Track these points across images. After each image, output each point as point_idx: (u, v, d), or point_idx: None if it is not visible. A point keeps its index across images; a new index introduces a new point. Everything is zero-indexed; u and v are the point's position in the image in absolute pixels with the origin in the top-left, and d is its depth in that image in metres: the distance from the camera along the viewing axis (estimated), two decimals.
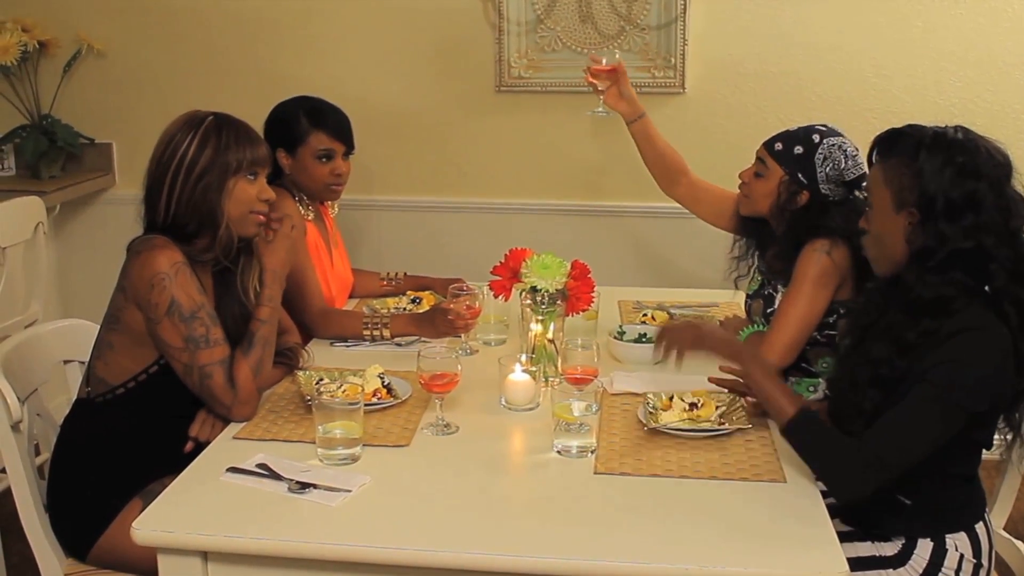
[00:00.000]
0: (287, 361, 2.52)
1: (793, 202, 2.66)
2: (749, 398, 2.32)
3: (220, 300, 2.42)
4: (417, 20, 4.01)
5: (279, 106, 3.05)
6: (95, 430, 2.37)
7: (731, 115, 3.93)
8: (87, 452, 2.36)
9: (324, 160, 2.98)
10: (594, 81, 3.02)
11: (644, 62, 3.89)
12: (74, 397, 2.50)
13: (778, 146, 2.69)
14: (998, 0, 3.75)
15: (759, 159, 2.73)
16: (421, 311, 2.94)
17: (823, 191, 2.63)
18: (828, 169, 2.62)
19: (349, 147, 3.04)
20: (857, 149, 2.65)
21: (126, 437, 2.35)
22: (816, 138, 2.66)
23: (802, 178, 2.64)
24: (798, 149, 2.66)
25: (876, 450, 1.99)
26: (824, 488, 2.03)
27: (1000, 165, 2.08)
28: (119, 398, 2.35)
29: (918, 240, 2.07)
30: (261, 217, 2.40)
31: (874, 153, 2.19)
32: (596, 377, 2.36)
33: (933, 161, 2.05)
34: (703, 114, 3.95)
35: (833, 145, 2.64)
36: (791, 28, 3.86)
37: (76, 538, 2.33)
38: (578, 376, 2.34)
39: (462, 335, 2.74)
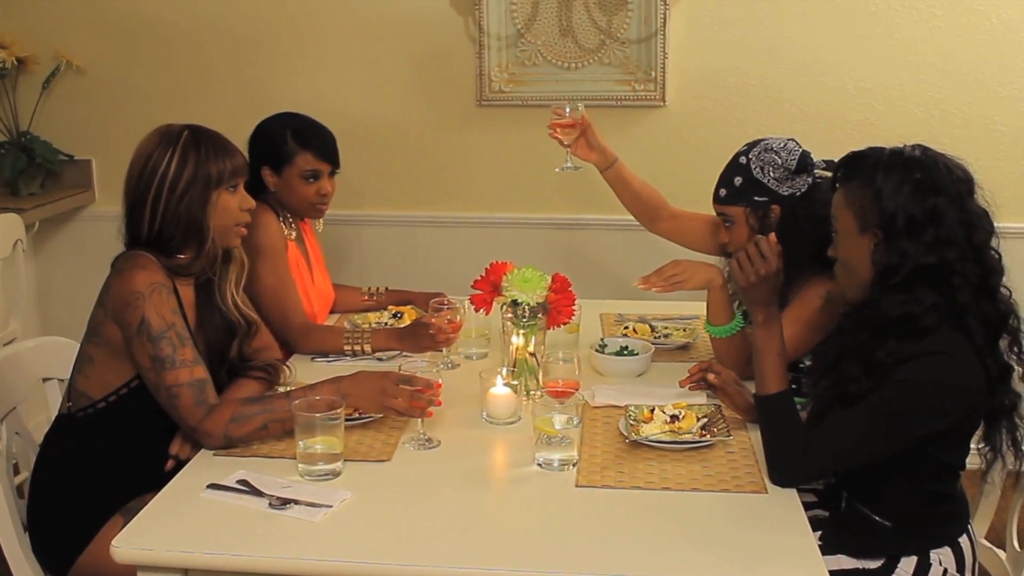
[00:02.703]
0: (267, 377, 2.51)
1: (768, 222, 2.62)
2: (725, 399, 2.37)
3: (201, 310, 2.43)
4: (398, 34, 4.01)
5: (264, 123, 3.04)
6: (76, 446, 2.36)
7: (712, 128, 3.94)
8: (68, 469, 2.35)
9: (311, 180, 2.98)
10: (558, 136, 2.91)
11: (624, 75, 3.91)
12: (54, 415, 2.49)
13: (722, 192, 2.69)
14: (976, 14, 3.78)
15: (720, 215, 2.73)
16: (402, 326, 2.94)
17: (784, 193, 2.61)
18: (771, 174, 2.61)
19: (335, 167, 3.04)
20: (784, 140, 2.65)
21: (107, 453, 2.34)
22: (743, 160, 2.66)
23: (759, 199, 2.63)
24: (738, 180, 2.65)
25: (816, 444, 2.06)
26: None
27: (960, 180, 2.08)
28: (100, 412, 2.34)
29: (882, 259, 2.08)
30: (243, 230, 2.42)
31: (836, 178, 2.21)
32: (577, 390, 2.36)
33: (891, 179, 2.06)
34: (683, 127, 3.96)
35: (759, 151, 2.64)
36: (771, 41, 3.88)
37: (57, 556, 2.32)
38: (559, 389, 2.35)
39: (443, 349, 2.74)
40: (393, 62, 4.05)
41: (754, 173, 2.63)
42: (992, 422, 2.13)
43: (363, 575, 1.80)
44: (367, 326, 2.95)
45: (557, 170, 2.95)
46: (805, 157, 2.60)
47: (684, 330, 2.99)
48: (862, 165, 2.13)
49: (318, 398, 2.14)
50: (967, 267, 2.04)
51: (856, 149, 2.19)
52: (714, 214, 2.88)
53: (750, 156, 2.65)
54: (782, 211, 2.62)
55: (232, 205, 2.37)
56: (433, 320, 2.71)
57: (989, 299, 2.07)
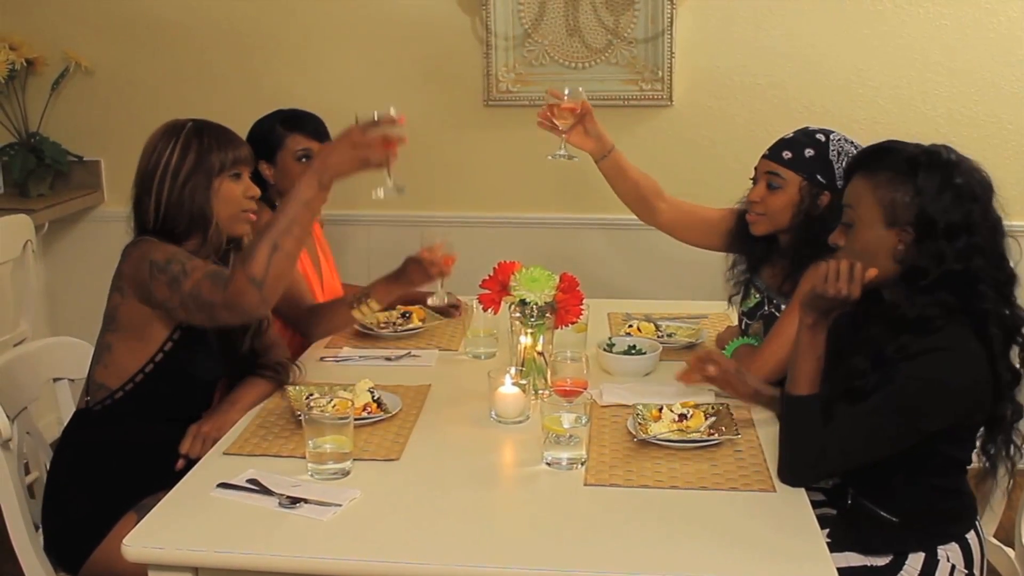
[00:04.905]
0: (277, 376, 2.52)
1: (816, 206, 2.58)
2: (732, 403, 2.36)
3: None
4: (405, 34, 4.02)
5: (255, 124, 3.11)
6: (93, 442, 2.38)
7: (718, 127, 3.95)
8: (84, 465, 2.37)
9: (304, 161, 3.01)
10: (552, 121, 2.78)
11: (631, 75, 3.91)
12: (64, 415, 2.51)
13: (787, 154, 2.62)
14: (982, 12, 3.78)
15: (770, 172, 2.63)
16: (396, 269, 2.93)
17: (841, 187, 2.58)
18: (843, 164, 2.56)
19: None
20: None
21: (123, 449, 2.36)
22: (821, 137, 2.62)
23: (821, 179, 2.58)
24: (809, 152, 2.60)
25: (826, 446, 2.04)
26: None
27: (988, 187, 2.09)
28: (118, 402, 2.36)
29: (910, 259, 2.07)
30: (252, 216, 2.45)
31: (857, 167, 2.18)
32: (586, 389, 2.37)
33: (931, 181, 2.05)
34: (690, 126, 3.96)
35: (840, 140, 2.62)
36: (778, 40, 3.88)
37: (69, 552, 2.33)
38: (568, 388, 2.35)
39: (439, 281, 2.80)
40: (400, 62, 4.06)
41: (829, 154, 2.59)
42: (991, 431, 2.13)
43: (372, 574, 1.80)
44: (374, 323, 2.97)
45: (549, 158, 2.86)
46: None
47: (690, 329, 2.99)
48: (891, 158, 2.11)
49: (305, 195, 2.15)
50: (992, 273, 2.05)
51: (875, 144, 2.18)
52: (714, 210, 2.87)
53: (830, 137, 2.62)
54: (831, 202, 2.56)
55: (235, 193, 2.40)
56: (424, 255, 2.77)
57: (1008, 305, 2.08)
